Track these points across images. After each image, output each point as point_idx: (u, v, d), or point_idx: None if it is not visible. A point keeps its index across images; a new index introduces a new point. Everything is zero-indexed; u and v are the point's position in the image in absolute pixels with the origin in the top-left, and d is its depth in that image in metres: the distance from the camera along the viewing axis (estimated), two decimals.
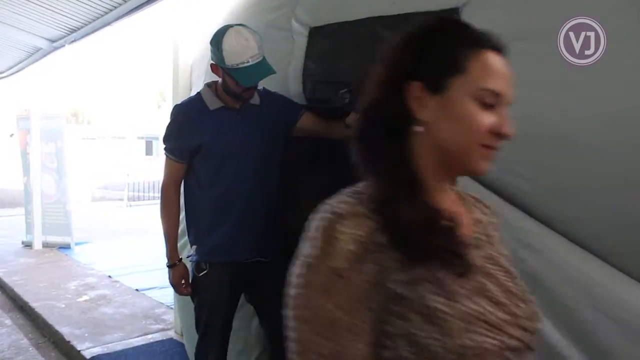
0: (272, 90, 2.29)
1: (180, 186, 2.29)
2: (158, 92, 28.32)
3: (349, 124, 2.10)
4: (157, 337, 3.97)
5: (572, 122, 1.37)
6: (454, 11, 1.67)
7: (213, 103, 2.18)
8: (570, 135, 1.38)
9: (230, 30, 2.04)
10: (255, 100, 2.21)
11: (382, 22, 1.91)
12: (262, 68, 2.05)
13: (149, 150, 27.01)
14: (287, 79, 2.28)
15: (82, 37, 5.92)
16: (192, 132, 2.16)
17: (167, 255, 2.29)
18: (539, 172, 1.44)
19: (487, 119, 0.85)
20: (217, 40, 2.05)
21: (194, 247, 2.22)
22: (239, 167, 2.16)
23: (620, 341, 1.30)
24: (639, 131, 1.27)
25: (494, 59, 0.87)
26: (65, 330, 4.06)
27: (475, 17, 1.61)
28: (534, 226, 1.46)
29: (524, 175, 1.46)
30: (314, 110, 2.28)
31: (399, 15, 1.86)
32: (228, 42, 2.02)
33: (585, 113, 1.36)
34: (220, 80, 2.16)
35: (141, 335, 3.99)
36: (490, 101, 0.85)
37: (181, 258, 2.30)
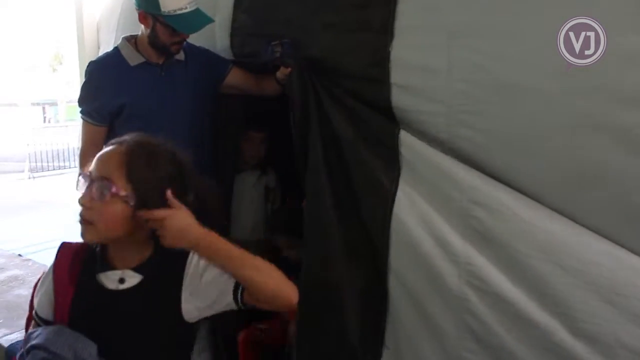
0: (197, 45, 2.12)
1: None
2: (53, 55, 26.24)
3: (280, 79, 2.00)
4: None
5: (522, 70, 1.35)
6: None
7: (134, 58, 1.98)
8: (520, 83, 1.36)
9: None
10: (180, 55, 2.04)
11: None
12: (201, 15, 1.91)
13: (46, 117, 25.25)
14: (213, 33, 2.11)
15: None
16: (112, 91, 1.96)
17: None
18: (491, 123, 1.41)
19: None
20: None
21: None
22: (165, 129, 1.99)
23: (574, 291, 1.33)
24: (589, 77, 1.27)
25: None
26: None
27: None
28: (486, 184, 1.45)
29: (475, 127, 1.43)
30: (243, 65, 2.15)
31: None
32: None
33: (534, 60, 1.34)
34: (144, 31, 1.97)
35: None
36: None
37: None
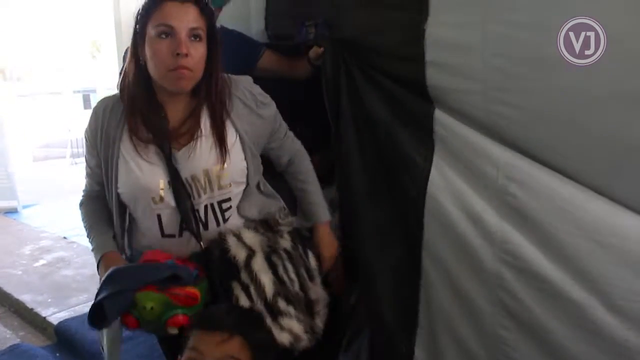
0: (230, 28, 2.15)
1: None
2: (91, 42, 26.79)
3: (312, 58, 2.01)
4: None
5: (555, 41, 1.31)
6: None
7: None
8: (554, 55, 1.32)
9: None
10: None
11: None
12: None
13: (87, 104, 25.80)
14: (248, 16, 2.14)
15: None
16: None
17: None
18: (527, 98, 1.39)
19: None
20: None
21: None
22: None
23: (611, 267, 1.31)
24: (630, 43, 1.23)
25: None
26: (26, 297, 3.90)
27: None
28: (522, 161, 1.43)
29: (511, 103, 1.41)
30: (276, 48, 2.16)
31: None
32: None
33: None
34: None
35: None
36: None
37: None
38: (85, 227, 1.61)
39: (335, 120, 1.81)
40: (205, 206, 1.50)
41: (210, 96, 1.47)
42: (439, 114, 1.59)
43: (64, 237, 5.51)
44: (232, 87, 1.52)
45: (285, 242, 1.55)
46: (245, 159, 1.52)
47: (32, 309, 3.72)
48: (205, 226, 1.51)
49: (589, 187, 1.35)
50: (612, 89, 1.26)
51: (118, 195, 1.50)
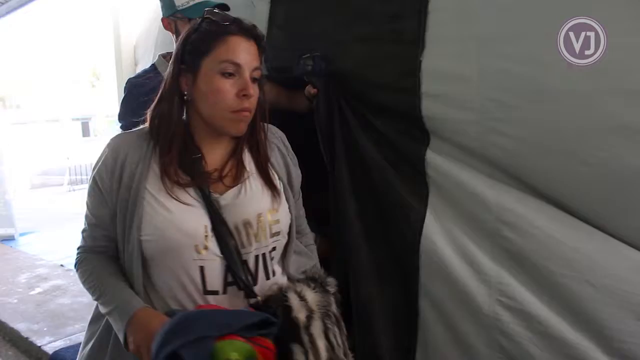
0: None
1: None
2: (91, 71, 27.04)
3: (307, 96, 2.03)
4: None
5: (554, 74, 1.35)
6: None
7: None
8: (550, 87, 1.36)
9: None
10: None
11: None
12: (213, 2, 1.95)
13: (85, 132, 25.93)
14: None
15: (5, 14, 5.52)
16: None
17: None
18: (522, 129, 1.42)
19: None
20: None
21: None
22: None
23: (607, 309, 1.32)
24: (623, 78, 1.26)
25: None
26: (21, 326, 3.86)
27: None
28: (515, 203, 1.45)
29: (506, 133, 1.44)
30: (275, 80, 2.19)
31: None
32: None
33: (561, 63, 1.33)
34: (174, 43, 2.04)
35: None
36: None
37: None
38: (91, 286, 1.30)
39: (331, 162, 1.83)
40: (256, 256, 1.29)
41: (254, 138, 1.35)
42: (431, 156, 1.61)
43: (61, 265, 5.48)
44: (268, 132, 1.41)
45: (334, 305, 1.35)
46: (289, 209, 1.37)
47: (27, 338, 3.68)
48: (255, 280, 1.29)
49: (583, 219, 1.37)
50: (607, 120, 1.29)
51: (140, 244, 1.23)
